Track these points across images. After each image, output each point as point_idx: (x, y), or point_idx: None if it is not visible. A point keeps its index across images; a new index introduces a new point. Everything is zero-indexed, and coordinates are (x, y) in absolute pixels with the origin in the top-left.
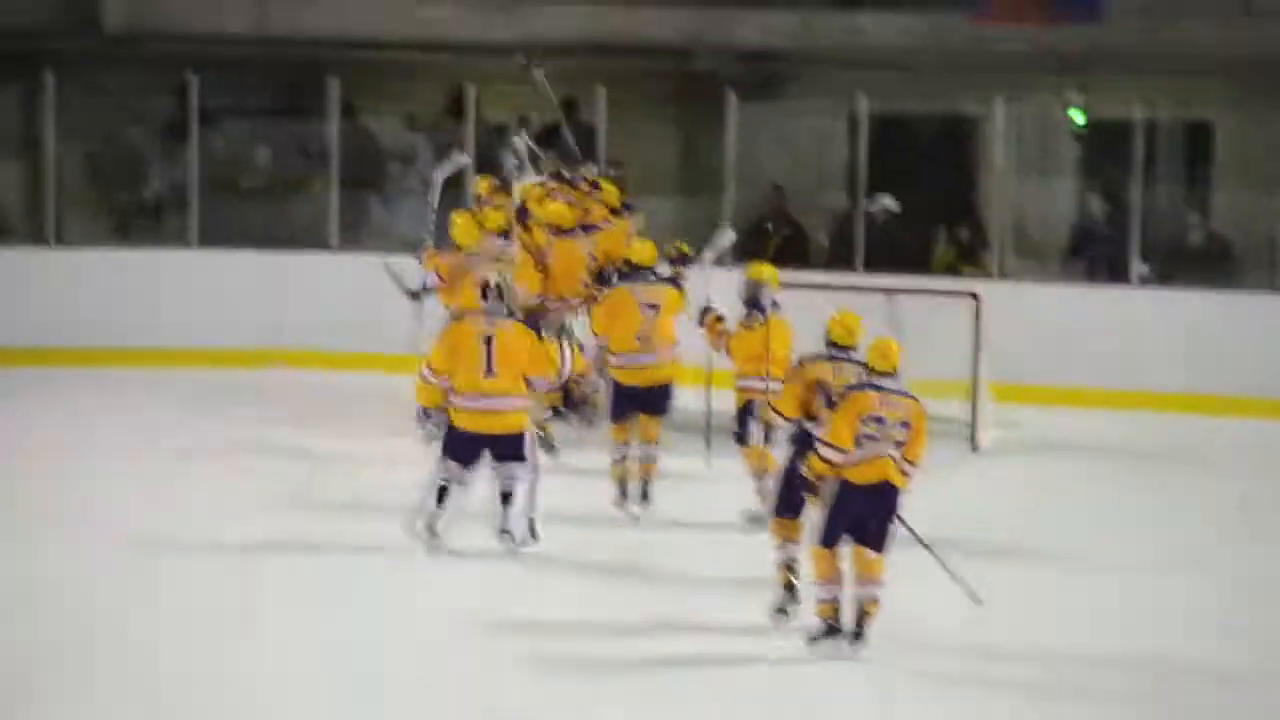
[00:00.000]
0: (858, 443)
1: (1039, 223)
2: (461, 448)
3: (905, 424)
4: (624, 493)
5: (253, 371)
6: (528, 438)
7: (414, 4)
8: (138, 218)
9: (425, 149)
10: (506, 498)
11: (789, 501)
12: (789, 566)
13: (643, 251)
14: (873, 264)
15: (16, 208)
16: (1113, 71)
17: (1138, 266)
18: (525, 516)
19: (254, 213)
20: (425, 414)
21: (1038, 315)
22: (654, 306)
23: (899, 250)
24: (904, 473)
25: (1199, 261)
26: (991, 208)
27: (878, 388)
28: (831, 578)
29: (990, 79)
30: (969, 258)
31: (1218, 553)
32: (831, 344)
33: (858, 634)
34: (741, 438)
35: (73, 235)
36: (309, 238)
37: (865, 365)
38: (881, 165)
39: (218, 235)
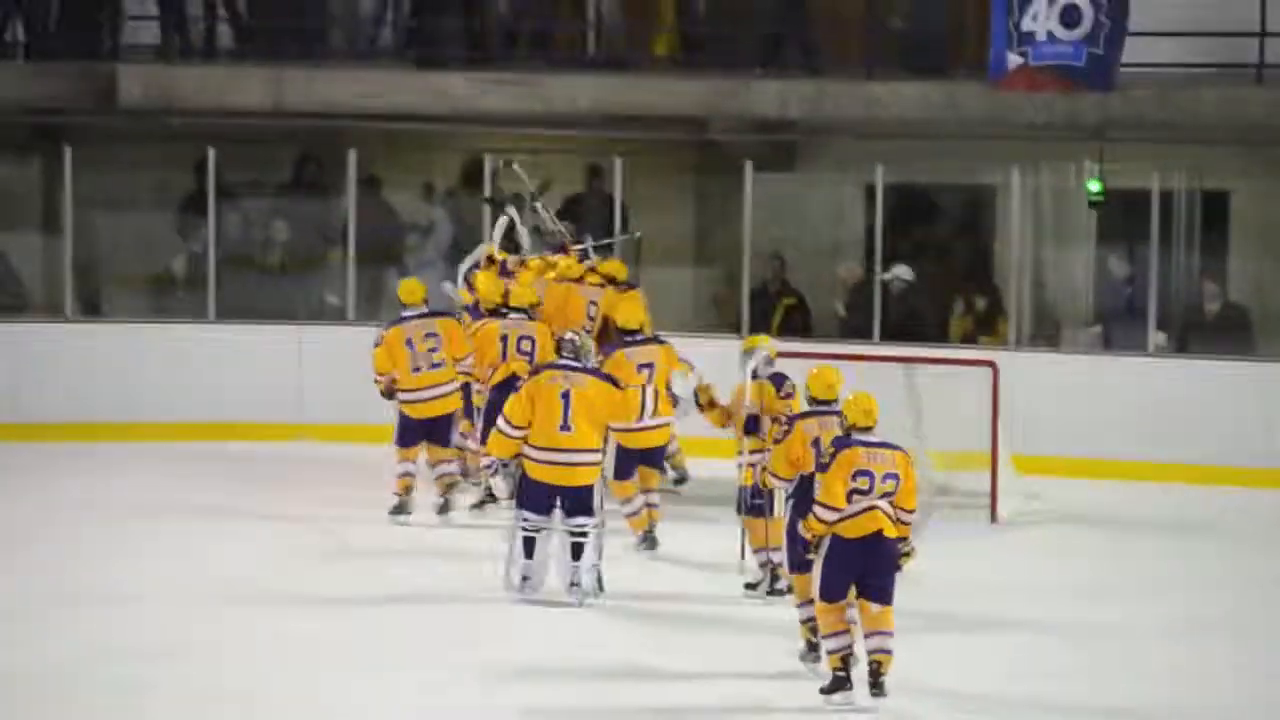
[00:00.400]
0: (848, 499)
1: (1056, 291)
2: (537, 498)
3: (893, 475)
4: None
5: (278, 444)
6: (596, 491)
7: (431, 76)
8: (157, 292)
9: (444, 220)
10: (577, 550)
11: (802, 559)
12: (809, 623)
13: (630, 315)
14: (890, 334)
15: (36, 281)
16: (1129, 141)
17: (1154, 336)
18: (593, 568)
19: (272, 286)
20: (493, 466)
21: (1057, 384)
22: (648, 366)
23: (916, 320)
24: (899, 522)
25: (1216, 330)
26: (1009, 276)
27: (864, 443)
28: (838, 630)
29: (1007, 148)
30: (986, 327)
31: (1250, 620)
32: (812, 400)
33: (875, 686)
34: (761, 509)
35: (91, 309)
36: (327, 311)
37: (842, 418)
38: (899, 234)
39: (236, 309)
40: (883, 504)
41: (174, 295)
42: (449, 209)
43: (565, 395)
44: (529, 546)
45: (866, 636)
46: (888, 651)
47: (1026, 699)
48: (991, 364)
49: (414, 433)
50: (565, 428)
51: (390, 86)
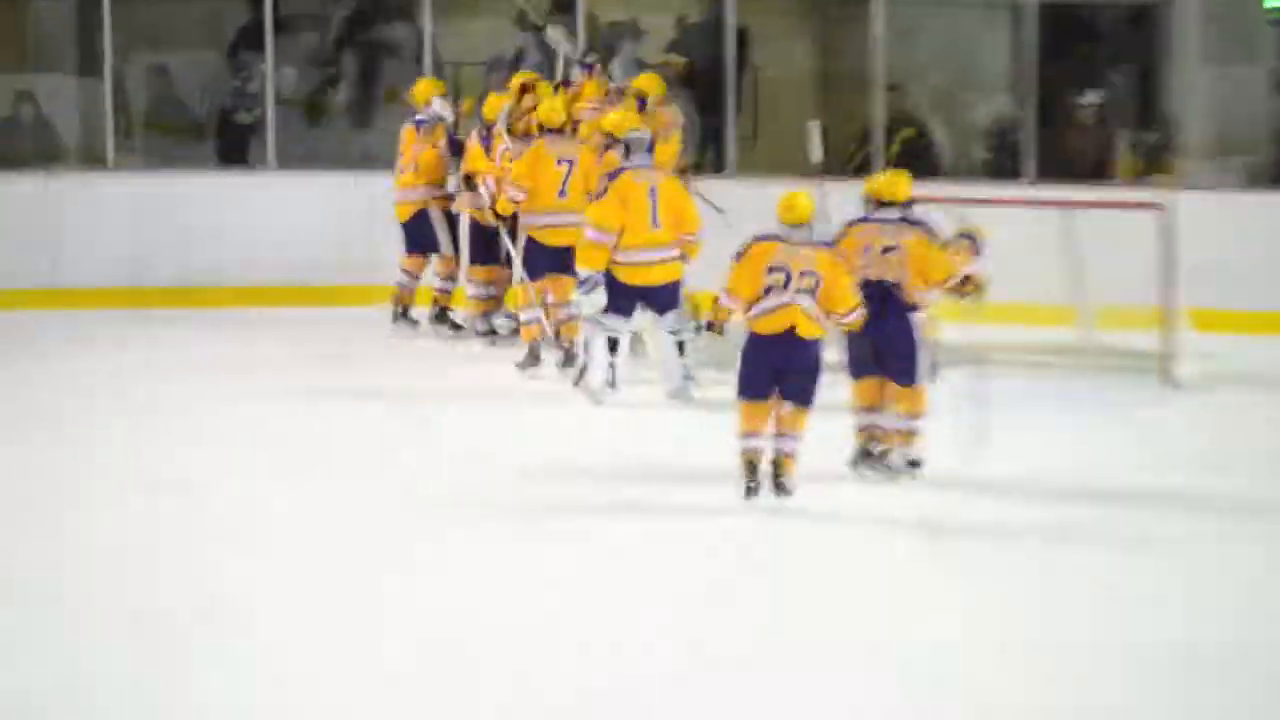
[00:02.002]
0: (765, 293)
1: (1236, 122)
2: (626, 301)
3: (811, 273)
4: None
5: (353, 309)
6: (680, 288)
7: None
8: (205, 139)
9: (532, 50)
10: (682, 347)
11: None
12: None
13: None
14: (1045, 174)
15: (73, 129)
16: None
17: None
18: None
19: (338, 132)
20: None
21: (1239, 229)
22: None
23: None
24: (816, 320)
25: None
26: (1182, 106)
27: (779, 238)
28: (749, 430)
29: None
30: (1156, 164)
31: None
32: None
33: (776, 486)
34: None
35: (134, 160)
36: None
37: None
38: (1051, 62)
39: (297, 158)
40: (801, 300)
41: (230, 143)
42: (537, 39)
43: (653, 191)
44: (614, 346)
45: (774, 436)
46: (788, 454)
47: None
48: (1162, 206)
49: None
50: (656, 224)
51: None
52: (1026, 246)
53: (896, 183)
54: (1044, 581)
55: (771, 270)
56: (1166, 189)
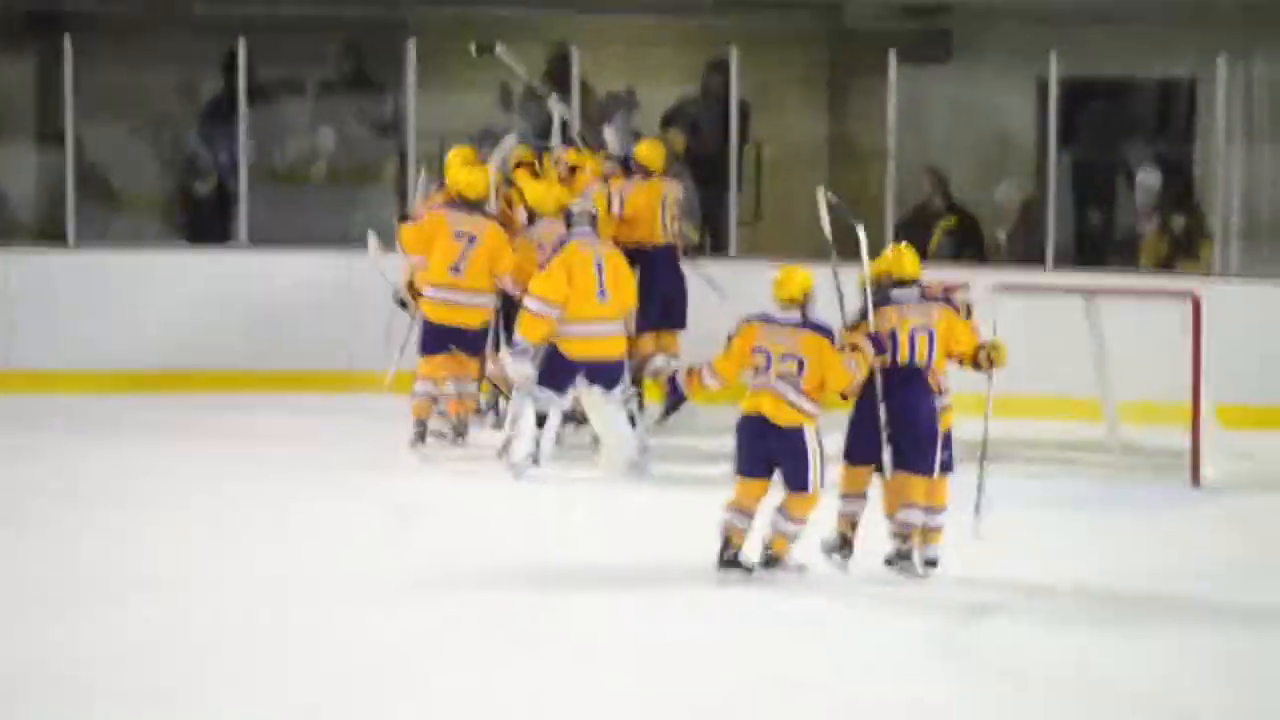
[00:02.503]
0: (755, 373)
1: (1272, 206)
2: (565, 376)
3: (793, 357)
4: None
5: (325, 397)
6: (625, 364)
7: None
8: (177, 214)
9: (521, 127)
10: (633, 418)
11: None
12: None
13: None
14: (1066, 259)
15: (29, 202)
16: None
17: None
18: (632, 439)
19: (316, 206)
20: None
21: (1272, 319)
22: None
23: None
24: (793, 406)
25: None
26: (1212, 189)
27: (767, 318)
28: (739, 507)
29: (1210, 33)
30: (1185, 250)
31: None
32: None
33: (765, 560)
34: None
35: (97, 235)
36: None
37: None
38: (1075, 140)
39: (271, 232)
40: (777, 385)
41: (199, 217)
42: (529, 113)
43: (599, 263)
44: (542, 420)
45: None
46: (780, 533)
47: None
48: (1192, 295)
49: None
50: (603, 296)
51: None
52: (1048, 335)
53: (907, 258)
54: (1065, 691)
55: (754, 351)
56: (1195, 276)
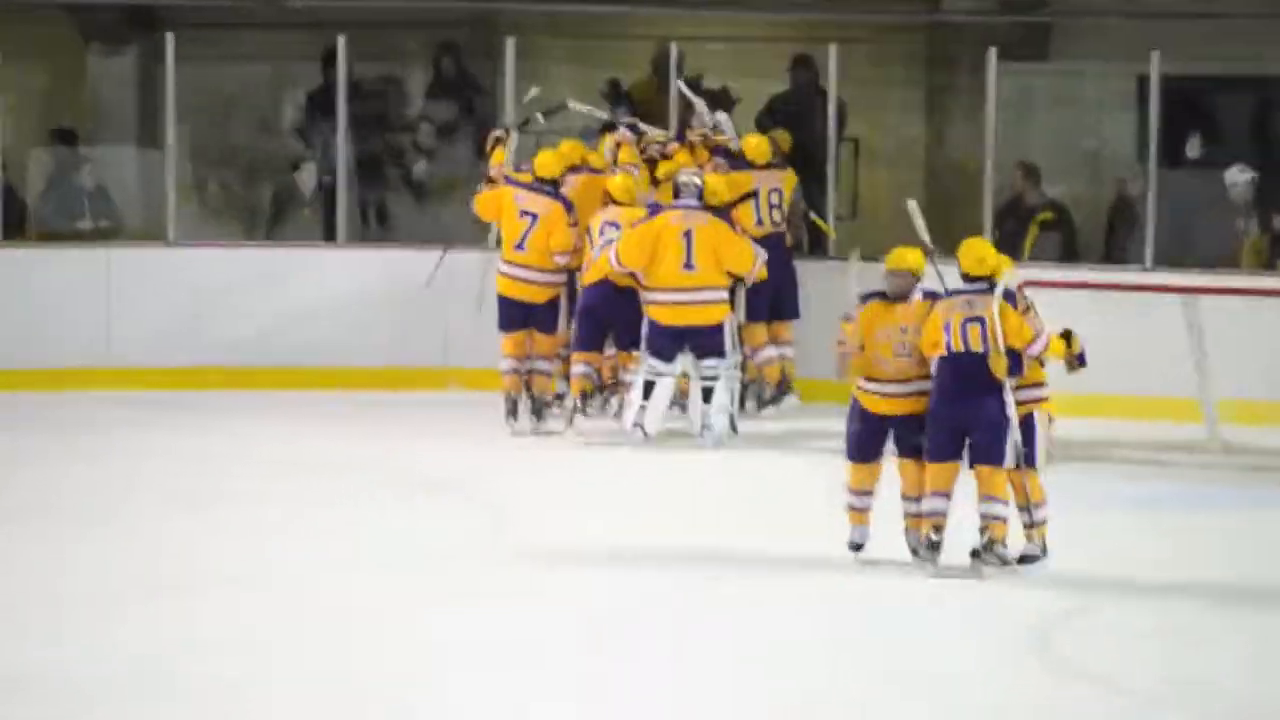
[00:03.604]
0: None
1: None
2: (664, 342)
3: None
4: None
5: (424, 394)
6: (727, 330)
7: None
8: (275, 211)
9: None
10: (707, 394)
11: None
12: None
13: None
14: (1166, 259)
15: (131, 200)
16: None
17: None
18: (725, 412)
19: (415, 204)
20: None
21: None
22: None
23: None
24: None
25: None
26: None
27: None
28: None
29: None
30: None
31: None
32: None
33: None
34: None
35: (197, 232)
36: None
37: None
38: (1177, 138)
39: (370, 230)
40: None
41: (298, 215)
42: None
43: (688, 234)
44: (647, 390)
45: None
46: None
47: None
48: None
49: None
50: (689, 266)
51: None
52: (1146, 336)
53: (977, 252)
54: (1159, 695)
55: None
56: None
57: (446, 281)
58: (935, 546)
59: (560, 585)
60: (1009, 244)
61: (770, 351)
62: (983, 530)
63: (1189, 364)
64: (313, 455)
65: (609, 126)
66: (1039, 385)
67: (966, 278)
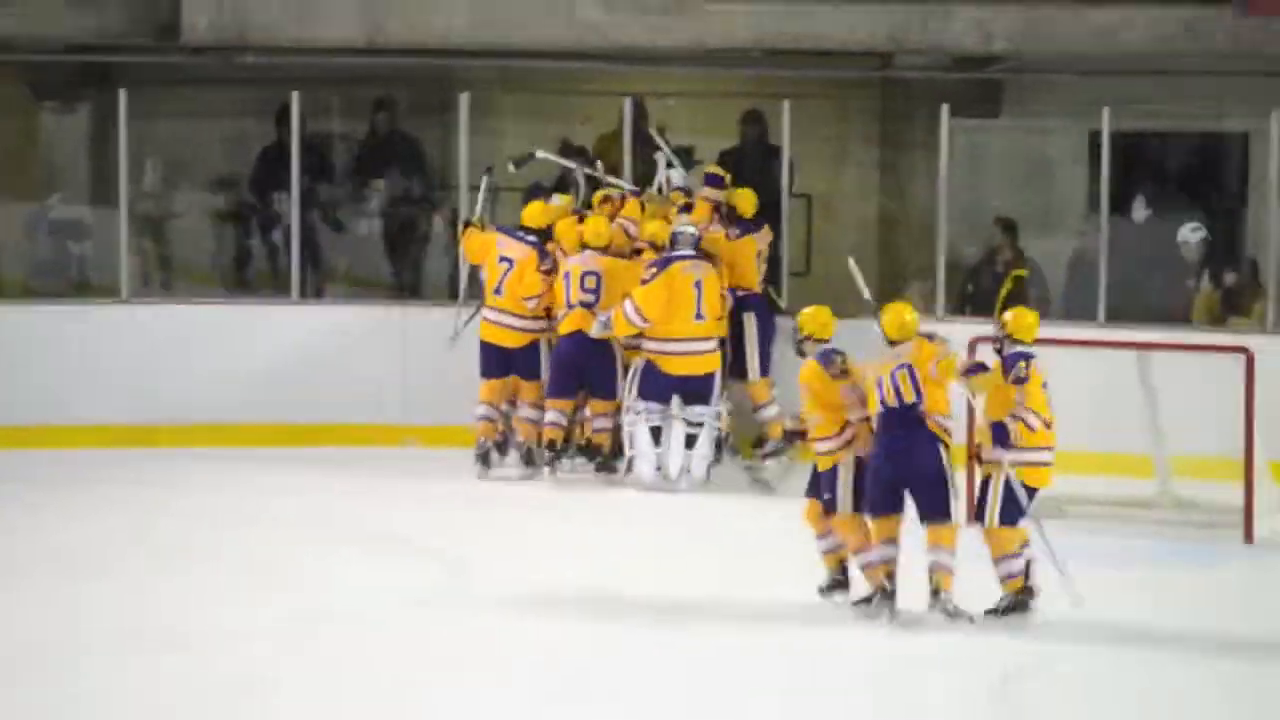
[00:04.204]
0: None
1: None
2: (661, 388)
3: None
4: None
5: (382, 449)
6: (717, 380)
7: (559, 1)
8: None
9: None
10: (692, 440)
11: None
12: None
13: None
14: (1117, 314)
15: (85, 256)
16: None
17: None
18: (706, 460)
19: (368, 257)
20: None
21: None
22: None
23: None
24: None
25: None
26: (1265, 244)
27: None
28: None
29: (1263, 86)
30: (1237, 305)
31: None
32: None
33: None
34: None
35: (152, 288)
36: (432, 287)
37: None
38: (1128, 193)
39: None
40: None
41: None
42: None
43: (698, 285)
44: (657, 435)
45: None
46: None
47: None
48: (1244, 350)
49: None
50: (700, 317)
51: (509, 15)
52: (1100, 391)
53: (900, 317)
54: None
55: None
56: (1247, 332)
57: (405, 338)
58: (891, 595)
59: (519, 635)
60: (983, 298)
61: (774, 408)
62: (931, 579)
63: (1142, 419)
64: (269, 510)
65: (563, 177)
66: (1038, 449)
67: (891, 343)
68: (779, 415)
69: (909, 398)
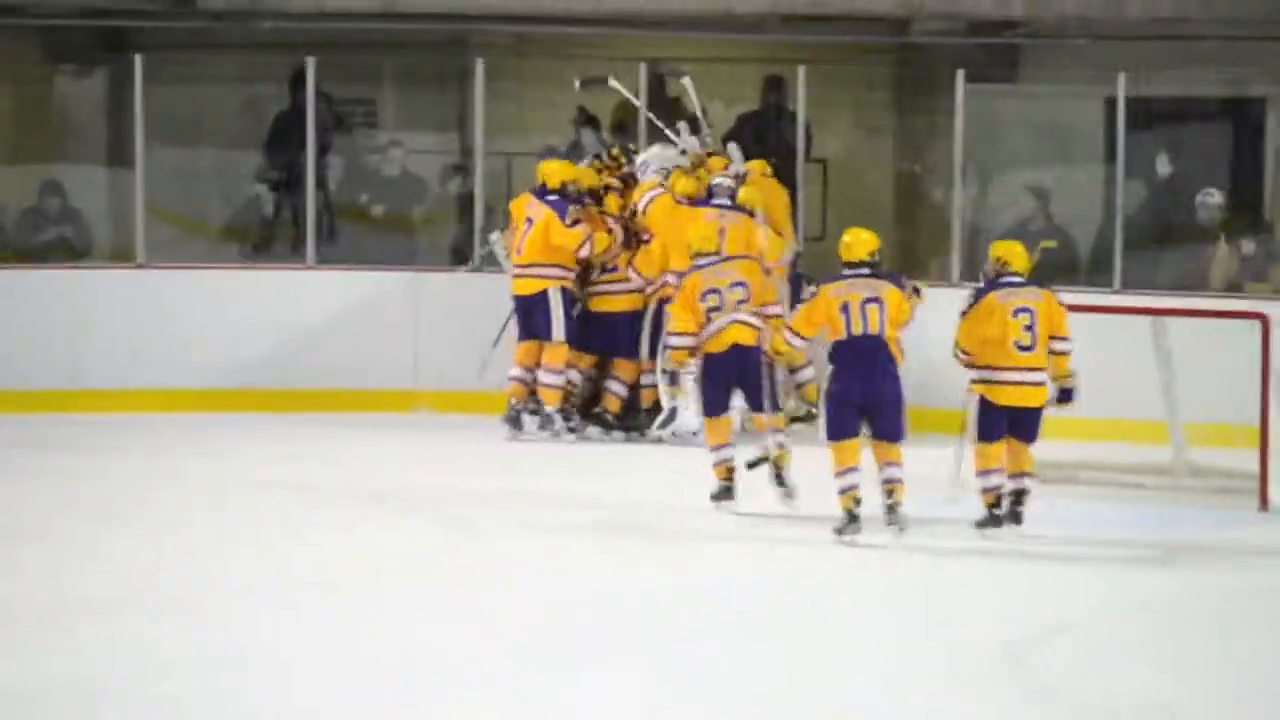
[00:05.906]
0: (707, 319)
1: None
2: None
3: (740, 284)
4: None
5: (391, 415)
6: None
7: None
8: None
9: (592, 144)
10: None
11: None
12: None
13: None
14: (1134, 280)
15: (100, 221)
16: None
17: None
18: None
19: (382, 225)
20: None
21: None
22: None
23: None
24: (755, 327)
25: None
26: None
27: (699, 267)
28: (720, 443)
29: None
30: (1254, 272)
31: None
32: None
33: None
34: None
35: (166, 253)
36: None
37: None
38: (1143, 159)
39: (338, 252)
40: (740, 315)
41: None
42: (596, 133)
43: (722, 231)
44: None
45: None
46: (780, 447)
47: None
48: (1261, 316)
49: None
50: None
51: None
52: (1116, 357)
53: (860, 241)
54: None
55: (705, 294)
56: (1263, 298)
57: (417, 302)
58: (855, 519)
59: (531, 595)
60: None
61: (811, 369)
62: (886, 494)
63: (1157, 386)
64: (283, 476)
65: (576, 143)
66: (1004, 369)
67: (850, 265)
68: (813, 378)
69: (874, 329)
